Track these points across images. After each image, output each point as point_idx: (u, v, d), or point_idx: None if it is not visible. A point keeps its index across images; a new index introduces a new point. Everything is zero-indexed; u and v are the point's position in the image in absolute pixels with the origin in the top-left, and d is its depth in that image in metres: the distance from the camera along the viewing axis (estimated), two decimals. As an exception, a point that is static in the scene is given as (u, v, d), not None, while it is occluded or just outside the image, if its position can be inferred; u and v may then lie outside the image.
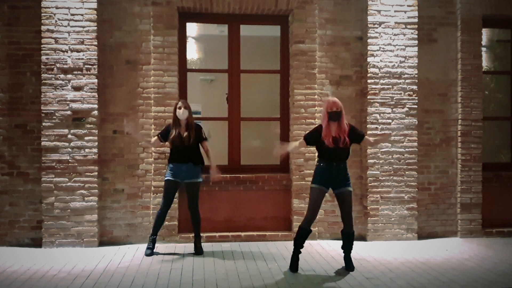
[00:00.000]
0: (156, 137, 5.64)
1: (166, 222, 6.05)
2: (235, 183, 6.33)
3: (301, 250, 4.97)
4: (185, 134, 5.46)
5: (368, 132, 6.21)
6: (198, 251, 5.57)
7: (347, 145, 4.83)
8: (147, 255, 5.46)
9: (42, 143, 5.79)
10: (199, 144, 5.62)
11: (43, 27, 5.79)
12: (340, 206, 4.94)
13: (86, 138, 5.83)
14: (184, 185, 5.59)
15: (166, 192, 5.54)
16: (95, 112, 5.84)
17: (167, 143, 5.61)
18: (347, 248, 4.98)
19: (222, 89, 7.11)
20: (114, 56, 6.11)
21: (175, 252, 5.68)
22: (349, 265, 4.94)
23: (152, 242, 5.57)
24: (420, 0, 6.36)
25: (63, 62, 5.81)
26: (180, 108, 5.48)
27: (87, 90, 5.83)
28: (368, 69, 6.23)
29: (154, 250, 5.60)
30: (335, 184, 4.86)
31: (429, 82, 6.55)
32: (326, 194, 4.95)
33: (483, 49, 6.90)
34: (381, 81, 6.24)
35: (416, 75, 6.30)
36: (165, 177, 5.57)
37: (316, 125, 5.08)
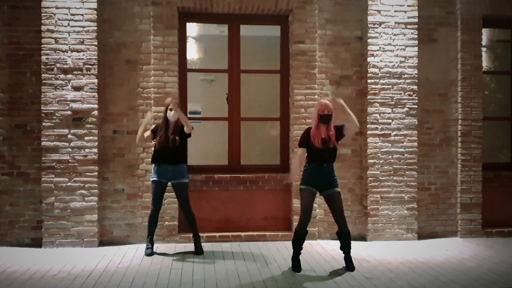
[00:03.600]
0: (150, 132, 5.57)
1: (166, 222, 6.06)
2: (235, 183, 6.33)
3: (300, 251, 4.98)
4: (172, 136, 5.41)
5: (368, 132, 6.22)
6: (198, 251, 5.57)
7: (335, 146, 4.88)
8: (147, 254, 5.45)
9: (42, 143, 5.79)
10: (185, 143, 5.59)
11: (43, 27, 5.79)
12: (330, 208, 4.97)
13: (86, 138, 5.83)
14: (172, 186, 5.58)
15: (154, 194, 5.53)
16: (95, 112, 5.84)
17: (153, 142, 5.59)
18: (346, 248, 4.99)
19: (222, 89, 7.12)
20: (114, 56, 6.11)
21: (175, 252, 5.68)
22: (349, 265, 4.94)
23: (150, 242, 5.57)
24: (420, 0, 6.36)
25: (63, 62, 5.81)
26: (171, 110, 5.44)
27: (87, 90, 5.83)
28: (368, 69, 6.23)
29: (154, 250, 5.61)
30: (323, 186, 4.89)
31: (429, 82, 6.55)
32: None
33: (483, 49, 6.89)
34: (381, 81, 6.24)
35: (416, 75, 6.30)
36: (152, 178, 5.56)
37: (305, 129, 5.06)
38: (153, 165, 5.58)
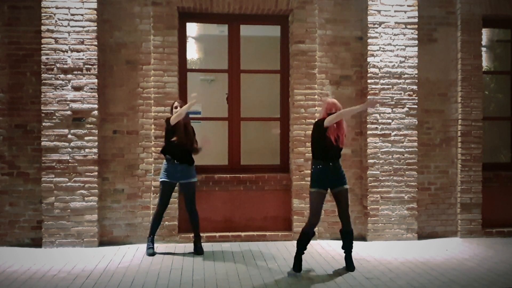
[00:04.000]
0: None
1: (166, 222, 6.06)
2: (235, 183, 6.33)
3: (304, 252, 4.95)
4: (185, 135, 5.47)
5: (368, 132, 6.22)
6: (199, 251, 5.57)
7: (342, 145, 4.87)
8: (150, 254, 5.44)
9: (42, 143, 5.79)
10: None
11: (43, 27, 5.79)
12: (337, 204, 4.96)
13: (86, 138, 5.83)
14: (179, 185, 5.60)
15: (162, 194, 5.53)
16: (95, 112, 5.84)
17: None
18: (347, 248, 4.98)
19: (222, 89, 7.11)
20: (114, 56, 6.11)
21: (175, 252, 5.68)
22: (350, 265, 4.93)
23: (152, 242, 5.57)
24: (420, 0, 6.36)
25: (63, 62, 5.81)
26: (176, 107, 5.47)
27: (87, 90, 5.83)
28: (368, 69, 6.23)
29: (156, 250, 5.62)
30: (333, 184, 4.87)
31: (429, 82, 6.55)
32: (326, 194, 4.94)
33: (483, 49, 6.89)
34: (381, 81, 6.24)
35: (416, 75, 6.30)
36: (161, 178, 5.55)
37: (316, 123, 4.92)
38: (163, 163, 5.54)
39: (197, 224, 5.63)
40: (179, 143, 5.44)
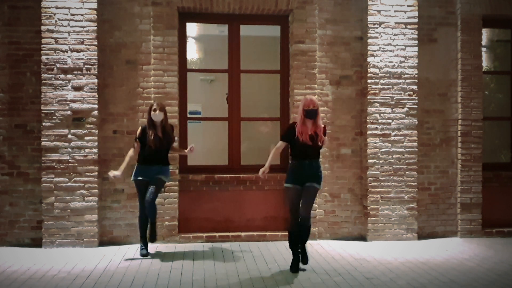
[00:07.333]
0: (136, 144, 5.46)
1: (166, 222, 6.06)
2: (235, 183, 6.33)
3: (299, 251, 4.96)
4: (162, 136, 5.37)
5: (368, 132, 6.22)
6: (152, 239, 5.41)
7: (322, 143, 4.84)
8: (143, 255, 5.41)
9: (42, 143, 5.79)
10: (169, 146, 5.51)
11: (43, 27, 5.79)
12: (302, 197, 4.83)
13: (86, 138, 5.83)
14: (149, 179, 5.41)
15: (139, 193, 5.45)
16: (95, 112, 5.84)
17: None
18: (300, 240, 4.89)
19: (222, 89, 7.12)
20: (114, 56, 6.11)
21: (175, 252, 5.68)
22: (303, 258, 4.93)
23: (144, 243, 5.52)
24: (420, 0, 6.36)
25: (63, 62, 5.81)
26: (155, 110, 5.36)
27: (87, 90, 5.83)
28: (368, 69, 6.23)
29: (156, 250, 5.62)
30: (305, 180, 4.83)
31: (429, 82, 6.55)
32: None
33: (483, 49, 6.89)
34: (381, 81, 6.24)
35: (416, 75, 6.30)
36: (134, 176, 5.45)
37: (290, 124, 5.03)
38: (137, 164, 5.49)
39: (153, 214, 5.35)
40: (147, 146, 5.35)
